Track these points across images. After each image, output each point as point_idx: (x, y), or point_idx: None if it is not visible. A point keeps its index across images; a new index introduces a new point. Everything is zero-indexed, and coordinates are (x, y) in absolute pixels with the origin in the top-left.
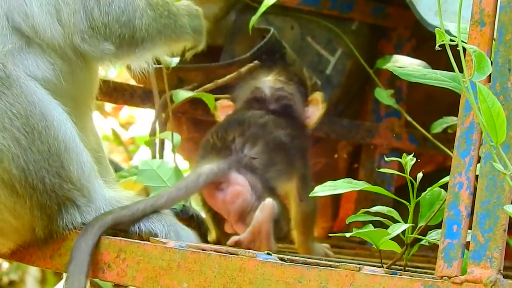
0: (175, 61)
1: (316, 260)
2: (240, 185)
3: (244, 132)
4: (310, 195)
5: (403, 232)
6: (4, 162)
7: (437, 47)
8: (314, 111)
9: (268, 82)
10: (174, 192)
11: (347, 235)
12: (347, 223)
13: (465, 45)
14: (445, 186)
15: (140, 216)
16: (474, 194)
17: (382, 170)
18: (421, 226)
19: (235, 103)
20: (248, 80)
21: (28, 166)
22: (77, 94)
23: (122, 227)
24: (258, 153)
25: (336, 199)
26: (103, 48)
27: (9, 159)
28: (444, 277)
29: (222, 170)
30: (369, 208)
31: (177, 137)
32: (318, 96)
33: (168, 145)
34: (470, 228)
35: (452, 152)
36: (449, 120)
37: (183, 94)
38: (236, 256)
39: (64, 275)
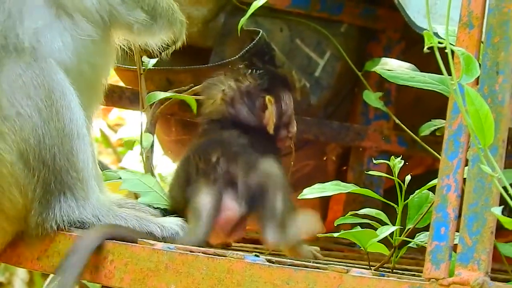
0: (152, 62)
1: (304, 262)
2: (231, 210)
3: (226, 151)
4: (299, 197)
5: (391, 234)
6: (25, 130)
7: (425, 50)
8: (268, 116)
9: (220, 101)
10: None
11: (335, 235)
12: (335, 225)
13: (453, 48)
14: (433, 189)
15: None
16: (462, 197)
17: (371, 172)
18: (409, 229)
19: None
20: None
21: (44, 139)
22: (93, 84)
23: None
24: (241, 170)
25: (325, 201)
26: (136, 14)
27: (30, 128)
28: (431, 279)
29: (218, 200)
30: (358, 210)
31: (150, 138)
32: (268, 100)
33: (157, 147)
34: (457, 230)
35: (440, 155)
36: (438, 123)
37: (158, 95)
38: (224, 258)
39: (50, 276)
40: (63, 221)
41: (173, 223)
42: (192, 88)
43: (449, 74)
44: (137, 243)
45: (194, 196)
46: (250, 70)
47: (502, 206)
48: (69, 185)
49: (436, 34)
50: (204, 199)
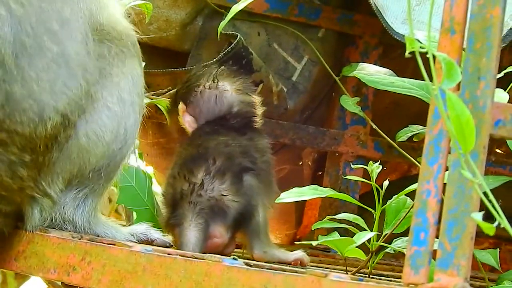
0: None
1: (282, 266)
2: (219, 237)
3: (210, 169)
4: (275, 201)
5: (368, 239)
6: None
7: (407, 54)
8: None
9: (235, 96)
10: None
11: (313, 243)
12: (312, 229)
13: (435, 53)
14: (410, 194)
15: None
16: (442, 202)
17: (348, 176)
18: (386, 234)
19: (192, 111)
20: (205, 86)
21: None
22: None
23: None
24: (228, 188)
25: (300, 206)
26: None
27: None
28: (410, 284)
29: (204, 232)
30: (334, 215)
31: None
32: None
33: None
34: (437, 236)
35: (417, 161)
36: (415, 129)
37: None
38: (202, 260)
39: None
40: (59, 220)
41: (142, 228)
42: (170, 92)
43: (430, 79)
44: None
45: (179, 226)
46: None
47: (482, 212)
48: (90, 186)
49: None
50: (188, 234)
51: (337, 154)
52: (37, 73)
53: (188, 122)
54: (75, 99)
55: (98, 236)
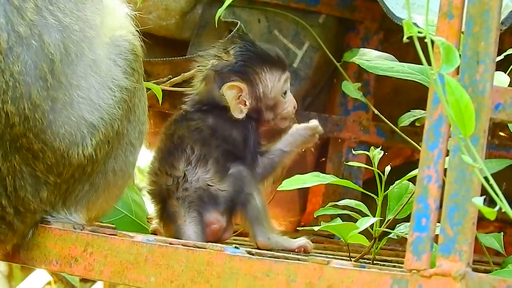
0: None
1: (284, 254)
2: (215, 223)
3: (190, 158)
4: (278, 189)
5: (371, 225)
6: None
7: (405, 39)
8: (229, 101)
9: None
10: None
11: (315, 228)
12: (315, 216)
13: (433, 37)
14: (413, 180)
15: None
16: (443, 187)
17: (350, 163)
18: (389, 220)
19: None
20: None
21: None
22: None
23: None
24: (212, 177)
25: (303, 193)
26: None
27: None
28: (413, 270)
29: (201, 224)
30: (337, 202)
31: None
32: (227, 86)
33: None
34: (439, 221)
35: (420, 146)
36: (417, 113)
37: None
38: (203, 250)
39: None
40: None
41: None
42: (170, 80)
43: (429, 64)
44: None
45: (174, 224)
46: (233, 48)
47: (483, 197)
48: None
49: (415, 24)
50: (187, 231)
51: (339, 140)
52: (78, 81)
53: None
54: (108, 110)
55: None
